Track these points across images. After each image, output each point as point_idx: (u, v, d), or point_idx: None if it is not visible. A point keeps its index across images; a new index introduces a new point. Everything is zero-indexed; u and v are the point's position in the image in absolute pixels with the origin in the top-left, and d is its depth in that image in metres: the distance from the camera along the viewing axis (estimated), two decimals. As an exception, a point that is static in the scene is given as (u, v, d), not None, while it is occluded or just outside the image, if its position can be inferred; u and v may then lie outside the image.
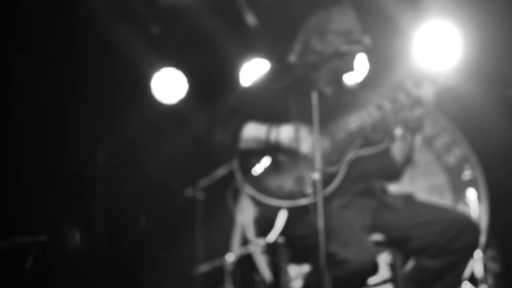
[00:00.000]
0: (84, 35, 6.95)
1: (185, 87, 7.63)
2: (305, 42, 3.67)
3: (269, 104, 3.52)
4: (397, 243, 3.50)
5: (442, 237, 3.33)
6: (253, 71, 7.46)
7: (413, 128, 3.57)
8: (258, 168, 3.38)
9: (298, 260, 3.58)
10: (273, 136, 3.40)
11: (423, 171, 7.02)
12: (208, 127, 3.58)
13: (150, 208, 6.02)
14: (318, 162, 3.00)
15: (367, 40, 3.60)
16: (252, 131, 3.48)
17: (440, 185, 7.04)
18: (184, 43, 7.52)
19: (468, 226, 3.37)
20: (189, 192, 5.61)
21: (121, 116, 7.70)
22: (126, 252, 7.40)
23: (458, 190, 6.83)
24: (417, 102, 3.48)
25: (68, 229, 6.91)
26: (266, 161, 3.40)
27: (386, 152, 3.57)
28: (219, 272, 5.67)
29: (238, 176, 3.43)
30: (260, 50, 7.48)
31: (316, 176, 2.99)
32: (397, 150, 3.62)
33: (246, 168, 3.43)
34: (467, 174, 5.41)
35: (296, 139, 3.29)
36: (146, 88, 7.70)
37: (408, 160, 3.69)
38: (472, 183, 5.43)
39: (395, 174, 3.72)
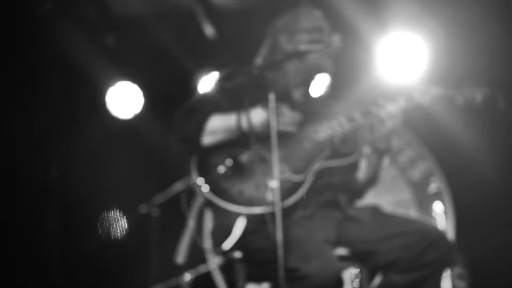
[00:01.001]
0: (38, 46, 6.74)
1: (141, 101, 7.48)
2: (273, 44, 3.54)
3: (224, 105, 3.30)
4: (362, 258, 3.30)
5: (411, 250, 3.14)
6: (211, 84, 7.32)
7: (381, 149, 3.42)
8: (220, 169, 3.13)
9: (257, 278, 3.36)
10: (244, 122, 3.15)
11: (388, 186, 6.93)
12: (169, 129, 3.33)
13: (105, 225, 5.71)
14: (276, 169, 2.78)
15: (337, 39, 3.46)
16: (220, 122, 3.22)
17: (405, 200, 6.96)
18: (140, 55, 7.35)
19: (438, 239, 3.18)
20: (143, 208, 5.30)
21: (77, 130, 7.51)
22: (79, 270, 7.16)
23: (424, 205, 6.76)
24: (389, 117, 3.31)
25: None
26: (228, 162, 3.14)
27: (354, 166, 3.41)
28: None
29: (195, 176, 3.16)
30: (218, 62, 7.34)
31: (274, 184, 2.77)
32: (362, 169, 3.49)
33: (205, 168, 3.16)
34: (433, 187, 5.26)
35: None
36: (102, 102, 7.53)
37: (373, 180, 3.56)
38: (438, 196, 5.28)
39: (358, 192, 3.57)
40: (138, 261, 6.04)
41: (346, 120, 3.32)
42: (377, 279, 3.32)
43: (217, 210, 3.15)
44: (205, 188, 3.09)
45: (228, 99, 3.23)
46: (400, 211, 6.26)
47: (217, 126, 3.22)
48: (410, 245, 3.14)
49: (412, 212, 6.68)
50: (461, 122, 6.36)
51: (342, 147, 3.34)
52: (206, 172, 3.15)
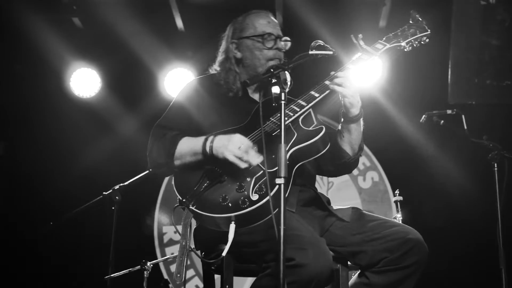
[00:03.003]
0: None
1: (98, 85, 7.50)
2: (225, 51, 3.68)
3: (199, 118, 3.45)
4: (345, 257, 3.40)
5: (394, 253, 3.25)
6: (177, 76, 7.36)
7: (354, 115, 3.45)
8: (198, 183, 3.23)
9: (243, 272, 3.42)
10: (208, 146, 3.25)
11: (342, 194, 7.13)
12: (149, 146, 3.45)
13: (61, 211, 5.63)
14: (282, 166, 2.86)
15: (284, 40, 3.60)
16: (188, 145, 3.34)
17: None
18: (105, 40, 7.29)
19: (418, 243, 3.30)
20: (105, 196, 5.26)
21: (33, 109, 7.42)
22: (29, 255, 7.07)
23: (374, 213, 6.98)
24: (345, 80, 3.39)
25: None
26: (206, 175, 3.24)
27: (324, 141, 3.40)
28: (134, 278, 5.46)
29: (178, 197, 3.23)
30: (185, 55, 7.38)
31: (279, 180, 2.85)
32: (346, 141, 3.53)
33: (184, 187, 3.24)
34: (396, 196, 5.44)
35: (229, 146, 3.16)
36: (61, 84, 7.48)
37: (359, 147, 3.59)
38: (397, 206, 5.45)
39: (350, 164, 3.62)
40: (97, 246, 6.02)
41: (304, 100, 3.42)
42: (354, 278, 3.43)
43: (206, 222, 3.22)
44: (191, 204, 3.17)
45: (203, 111, 3.34)
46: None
47: (185, 150, 3.33)
48: (393, 248, 3.26)
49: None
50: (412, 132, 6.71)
51: (307, 126, 3.40)
52: (187, 190, 3.22)
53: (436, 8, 5.18)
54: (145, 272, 5.26)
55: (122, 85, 7.50)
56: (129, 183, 5.25)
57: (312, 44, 3.48)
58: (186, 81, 3.72)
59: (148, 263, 5.29)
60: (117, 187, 5.21)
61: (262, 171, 3.18)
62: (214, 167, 3.27)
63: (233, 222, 3.12)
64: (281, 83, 2.96)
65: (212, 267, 3.46)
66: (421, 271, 3.32)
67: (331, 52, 3.32)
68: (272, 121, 3.37)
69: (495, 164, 5.25)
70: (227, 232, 3.11)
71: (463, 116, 5.21)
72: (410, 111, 6.76)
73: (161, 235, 7.52)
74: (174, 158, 3.34)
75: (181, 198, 3.21)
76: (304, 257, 2.96)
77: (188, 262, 7.36)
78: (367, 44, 3.56)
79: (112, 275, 5.14)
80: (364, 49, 3.55)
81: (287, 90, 2.99)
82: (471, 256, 6.96)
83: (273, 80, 3.02)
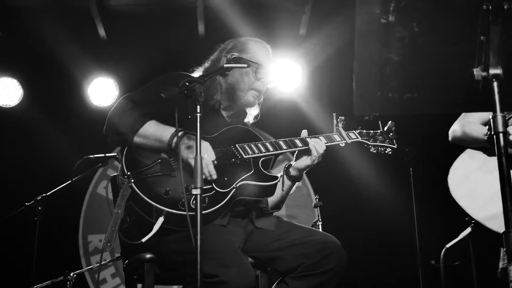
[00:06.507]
0: None
1: (20, 94, 7.39)
2: (215, 61, 3.72)
3: (161, 110, 3.37)
4: (265, 264, 3.50)
5: (311, 258, 3.37)
6: (100, 85, 7.34)
7: (294, 177, 3.70)
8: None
9: (165, 280, 3.46)
10: (174, 142, 3.25)
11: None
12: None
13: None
14: (199, 178, 2.92)
15: (271, 79, 3.71)
16: (156, 129, 3.33)
17: (278, 214, 7.21)
18: (26, 49, 7.21)
19: (336, 249, 3.42)
20: (27, 206, 5.21)
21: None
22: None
23: (297, 217, 7.11)
24: (307, 151, 3.62)
25: None
26: (160, 162, 3.27)
27: (271, 188, 3.57)
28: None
29: (123, 168, 3.24)
30: (108, 64, 7.35)
31: (196, 191, 2.90)
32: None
33: (134, 163, 3.27)
34: (315, 201, 5.58)
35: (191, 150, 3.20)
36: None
37: (279, 204, 3.80)
38: (317, 211, 5.58)
39: (263, 214, 3.72)
40: (19, 258, 5.95)
41: (272, 145, 3.57)
42: (274, 285, 3.51)
43: (139, 204, 3.21)
44: (132, 181, 3.18)
45: (164, 106, 3.30)
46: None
47: (151, 132, 3.33)
48: (311, 254, 3.37)
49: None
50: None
51: (265, 169, 3.55)
52: (135, 166, 3.25)
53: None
54: (68, 283, 5.22)
55: (44, 94, 7.41)
56: (51, 193, 5.22)
57: (228, 56, 3.60)
58: (169, 72, 3.63)
59: (71, 273, 5.26)
60: (39, 197, 5.19)
61: (211, 186, 3.26)
62: (170, 160, 3.31)
63: (163, 216, 3.16)
64: (196, 96, 3.02)
65: (134, 277, 3.50)
66: (340, 276, 3.43)
67: (245, 65, 3.42)
68: (237, 147, 3.48)
69: (411, 168, 5.44)
70: (153, 224, 3.14)
71: (379, 122, 5.39)
72: (329, 117, 6.92)
73: (86, 244, 7.46)
74: (136, 135, 3.31)
75: (126, 171, 3.22)
76: (227, 275, 3.02)
77: (114, 271, 7.34)
78: (344, 129, 3.82)
79: (34, 287, 5.10)
80: (339, 132, 3.82)
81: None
82: (390, 258, 7.16)
83: (188, 93, 3.06)
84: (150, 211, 3.18)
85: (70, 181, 5.16)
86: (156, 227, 3.13)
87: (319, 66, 7.45)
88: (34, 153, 7.17)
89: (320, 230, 5.35)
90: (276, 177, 3.54)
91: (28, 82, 7.40)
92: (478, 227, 3.40)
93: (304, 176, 7.47)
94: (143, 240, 3.13)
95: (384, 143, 3.96)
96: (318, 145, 3.62)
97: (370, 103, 2.49)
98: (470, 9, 2.37)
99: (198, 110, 3.00)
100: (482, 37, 2.36)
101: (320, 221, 5.38)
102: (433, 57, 2.42)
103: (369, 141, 3.92)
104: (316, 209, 5.49)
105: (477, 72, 2.37)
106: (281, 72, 7.33)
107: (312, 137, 3.68)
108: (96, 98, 7.31)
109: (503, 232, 2.23)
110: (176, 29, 6.95)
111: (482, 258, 4.01)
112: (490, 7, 2.33)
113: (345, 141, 3.79)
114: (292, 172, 3.71)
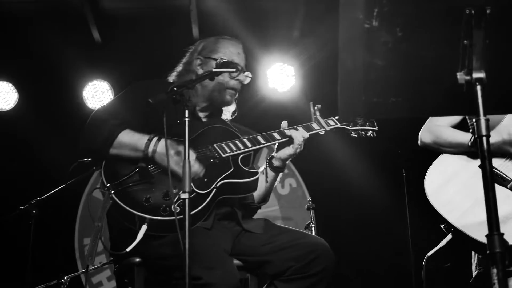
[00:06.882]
0: None
1: (15, 98, 7.38)
2: (187, 64, 3.74)
3: (145, 115, 3.41)
4: (254, 267, 3.51)
5: (301, 261, 3.38)
6: (96, 88, 7.35)
7: (278, 168, 3.74)
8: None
9: (155, 284, 3.47)
10: (151, 148, 3.30)
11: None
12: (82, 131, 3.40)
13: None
14: (187, 182, 2.93)
15: (247, 76, 3.71)
16: (130, 139, 3.35)
17: (274, 215, 7.26)
18: (21, 53, 7.21)
19: (325, 251, 3.44)
20: (22, 210, 5.21)
21: None
22: None
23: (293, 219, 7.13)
24: (288, 142, 3.66)
25: None
26: (138, 170, 3.28)
27: (253, 184, 3.61)
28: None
29: (103, 180, 3.27)
30: (103, 67, 7.36)
31: (184, 195, 2.92)
32: (258, 187, 3.70)
33: (113, 174, 3.29)
34: (308, 203, 5.60)
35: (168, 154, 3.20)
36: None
37: (265, 198, 3.83)
38: (310, 212, 5.60)
39: (251, 209, 3.80)
40: (15, 262, 5.95)
41: (250, 141, 3.59)
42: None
43: (121, 214, 3.23)
44: (113, 192, 3.20)
45: (151, 111, 3.32)
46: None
47: (125, 142, 3.35)
48: (299, 256, 3.38)
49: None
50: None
51: (245, 166, 3.58)
52: (114, 177, 3.26)
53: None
54: (61, 286, 5.23)
55: (40, 98, 7.42)
56: (46, 197, 5.23)
57: (217, 61, 3.61)
58: (137, 81, 3.68)
59: (65, 277, 5.27)
60: (34, 201, 5.19)
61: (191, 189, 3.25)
62: (148, 166, 3.32)
63: (146, 224, 3.18)
64: (184, 101, 3.04)
65: (125, 280, 3.52)
66: (329, 278, 3.45)
67: (234, 70, 3.44)
68: (215, 147, 3.50)
69: (404, 170, 5.47)
70: (137, 232, 3.16)
71: (374, 122, 5.42)
72: (325, 117, 6.95)
73: (82, 246, 7.47)
74: (111, 147, 3.32)
75: (105, 183, 3.24)
76: (211, 277, 3.04)
77: (110, 274, 7.34)
78: (322, 116, 3.85)
79: (29, 291, 5.12)
80: (318, 120, 3.83)
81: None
82: (385, 259, 7.18)
83: (177, 98, 3.07)
84: (133, 220, 3.20)
85: (64, 185, 5.18)
86: (140, 235, 3.15)
87: (313, 68, 7.46)
88: (29, 156, 7.17)
89: (314, 231, 5.38)
90: (257, 172, 3.58)
91: (23, 86, 7.40)
92: (458, 234, 3.39)
93: (300, 178, 7.61)
94: (128, 249, 3.15)
95: (365, 126, 3.95)
96: (298, 134, 3.65)
97: (355, 108, 2.51)
98: (453, 14, 2.37)
99: (186, 115, 3.02)
100: (465, 41, 2.36)
101: (313, 223, 5.40)
102: (417, 62, 2.44)
103: (349, 126, 3.94)
104: (309, 211, 5.50)
105: (461, 76, 2.37)
106: (275, 74, 7.41)
107: (290, 128, 3.69)
108: (91, 101, 7.33)
109: (487, 235, 2.23)
110: (171, 32, 6.96)
111: (463, 264, 4.02)
112: (473, 12, 2.34)
113: (324, 129, 3.81)
114: (275, 162, 3.74)
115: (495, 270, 2.23)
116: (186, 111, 3.02)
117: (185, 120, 3.00)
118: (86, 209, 7.50)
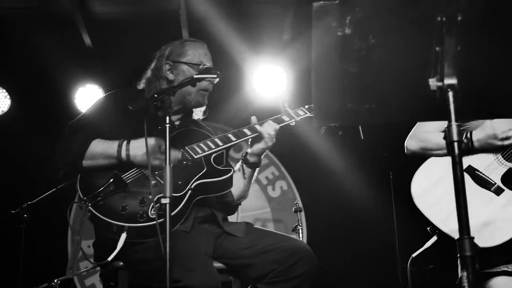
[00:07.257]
0: None
1: (8, 103, 7.40)
2: (156, 69, 3.78)
3: (119, 124, 3.47)
4: (237, 271, 3.54)
5: (282, 264, 3.41)
6: (87, 93, 7.37)
7: (253, 163, 3.80)
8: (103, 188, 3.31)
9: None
10: (123, 152, 3.35)
11: (252, 204, 7.26)
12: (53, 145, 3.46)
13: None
14: (168, 187, 2.97)
15: (215, 74, 3.70)
16: (101, 148, 3.40)
17: (264, 218, 7.28)
18: (14, 58, 7.24)
19: (307, 255, 3.47)
20: (13, 214, 5.24)
21: None
22: None
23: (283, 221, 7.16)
24: (259, 137, 3.70)
25: None
26: (112, 180, 3.33)
27: (229, 182, 3.64)
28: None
29: (79, 193, 3.32)
30: (94, 71, 7.38)
31: (165, 200, 2.96)
32: (235, 184, 3.73)
33: (88, 186, 3.33)
34: (296, 205, 5.63)
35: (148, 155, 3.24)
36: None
37: (244, 194, 3.89)
38: (298, 215, 5.63)
39: (231, 206, 3.86)
40: (6, 265, 5.96)
41: (221, 140, 3.64)
42: (245, 290, 3.59)
43: (101, 225, 3.30)
44: (90, 205, 3.26)
45: (129, 118, 3.35)
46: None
47: (97, 151, 3.41)
48: (281, 260, 3.42)
49: (270, 228, 7.02)
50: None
51: (218, 164, 3.61)
52: (90, 190, 3.31)
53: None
54: (52, 289, 5.26)
55: (32, 102, 7.45)
56: (37, 201, 5.26)
57: (200, 67, 3.66)
58: (107, 92, 3.74)
59: (55, 280, 5.29)
60: (25, 205, 5.22)
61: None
62: (121, 175, 3.37)
63: (125, 232, 3.23)
64: (166, 107, 3.08)
65: (111, 283, 3.55)
66: (311, 280, 3.48)
67: (215, 76, 3.48)
68: (187, 149, 3.54)
69: (391, 173, 5.50)
70: (117, 241, 3.21)
71: (360, 127, 5.46)
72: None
73: (74, 250, 7.47)
74: (84, 158, 3.38)
75: (82, 196, 3.29)
76: (191, 279, 3.08)
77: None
78: (291, 108, 3.89)
79: (19, 294, 5.14)
80: (287, 112, 3.88)
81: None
82: (371, 261, 7.20)
83: (158, 104, 3.12)
84: (112, 229, 3.26)
85: (55, 189, 5.20)
86: (120, 244, 3.20)
87: (304, 71, 7.49)
88: (21, 161, 7.19)
89: (301, 234, 5.41)
90: (230, 170, 3.62)
91: (15, 91, 7.43)
92: (443, 236, 3.43)
93: (291, 180, 7.65)
94: (109, 258, 3.21)
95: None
96: (268, 127, 3.71)
97: (330, 114, 2.55)
98: (425, 21, 2.41)
99: (167, 121, 3.06)
100: (437, 48, 2.40)
101: (300, 226, 5.43)
102: (390, 68, 2.47)
103: None
104: (295, 213, 5.53)
105: (433, 82, 2.41)
106: (266, 78, 7.45)
107: (261, 123, 3.75)
108: (83, 105, 7.36)
109: (457, 239, 2.27)
110: (161, 37, 6.97)
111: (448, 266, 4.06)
112: (444, 19, 2.38)
113: (294, 119, 3.85)
114: (250, 159, 3.80)
115: (465, 273, 2.27)
116: (167, 118, 3.06)
117: (166, 126, 3.04)
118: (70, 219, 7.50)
